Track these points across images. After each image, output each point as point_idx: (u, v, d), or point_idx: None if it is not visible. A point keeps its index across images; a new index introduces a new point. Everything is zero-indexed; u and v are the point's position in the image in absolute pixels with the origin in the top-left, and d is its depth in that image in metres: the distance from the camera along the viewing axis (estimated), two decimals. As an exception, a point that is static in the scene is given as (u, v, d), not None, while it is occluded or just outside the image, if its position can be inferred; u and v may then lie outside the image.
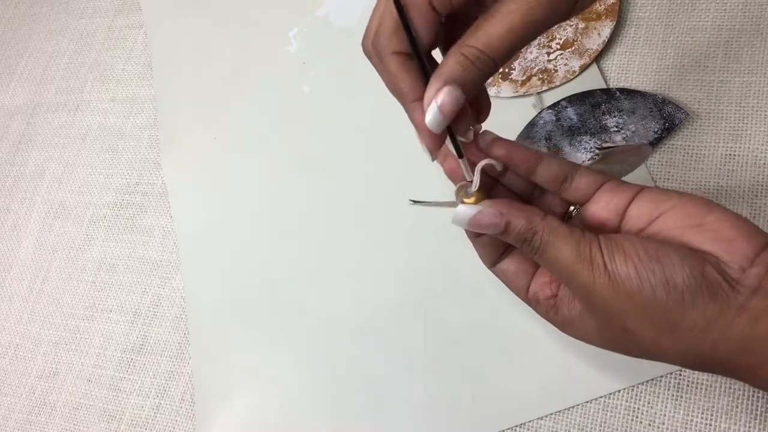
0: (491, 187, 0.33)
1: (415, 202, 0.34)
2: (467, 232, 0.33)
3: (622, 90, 0.44)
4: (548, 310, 0.32)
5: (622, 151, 0.42)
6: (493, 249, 0.33)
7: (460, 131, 0.30)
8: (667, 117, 0.43)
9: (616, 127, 0.43)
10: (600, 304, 0.28)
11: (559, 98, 0.46)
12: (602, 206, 0.31)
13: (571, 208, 0.32)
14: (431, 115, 0.28)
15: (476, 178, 0.31)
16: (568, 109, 0.45)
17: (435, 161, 0.32)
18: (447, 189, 0.33)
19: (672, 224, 0.29)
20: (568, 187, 0.31)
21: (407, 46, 0.29)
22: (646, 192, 0.30)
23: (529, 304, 0.33)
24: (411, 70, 0.29)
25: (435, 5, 0.28)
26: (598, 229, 0.30)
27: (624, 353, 0.30)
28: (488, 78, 0.29)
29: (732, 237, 0.27)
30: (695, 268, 0.26)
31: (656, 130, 0.42)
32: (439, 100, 0.28)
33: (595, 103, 0.44)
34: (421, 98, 0.29)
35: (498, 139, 0.31)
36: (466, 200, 0.31)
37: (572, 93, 0.46)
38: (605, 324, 0.29)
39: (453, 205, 0.31)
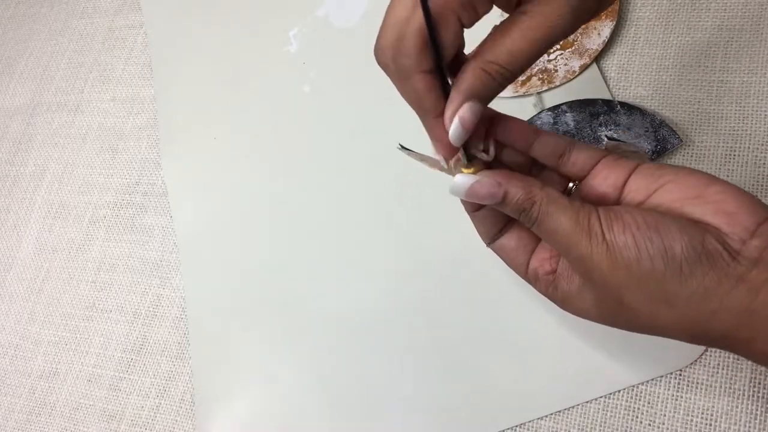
0: (488, 163, 0.32)
1: (404, 148, 0.34)
2: (465, 205, 0.33)
3: (623, 104, 0.44)
4: (547, 286, 0.32)
5: (627, 149, 0.42)
6: (491, 223, 0.33)
7: (473, 142, 0.31)
8: (660, 140, 0.42)
9: (610, 140, 0.43)
10: (598, 277, 0.28)
11: (559, 98, 0.46)
12: (600, 181, 0.31)
13: (570, 184, 0.32)
14: (455, 131, 0.28)
15: (462, 153, 0.31)
16: (567, 114, 0.45)
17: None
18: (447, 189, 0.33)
19: (671, 196, 0.28)
20: (566, 161, 0.31)
21: (433, 63, 0.28)
22: (645, 166, 0.30)
23: (528, 281, 0.33)
24: (435, 87, 0.29)
25: (463, 21, 0.28)
26: (597, 203, 0.30)
27: (622, 327, 0.30)
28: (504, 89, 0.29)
29: (733, 209, 0.27)
30: (695, 238, 0.26)
31: (648, 150, 0.42)
32: (460, 116, 0.28)
33: (595, 112, 0.44)
34: (442, 113, 0.29)
35: (497, 114, 0.32)
36: (464, 170, 0.31)
37: (572, 93, 0.46)
38: (603, 297, 0.29)
39: (436, 163, 0.31)
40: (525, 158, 0.33)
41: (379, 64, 0.30)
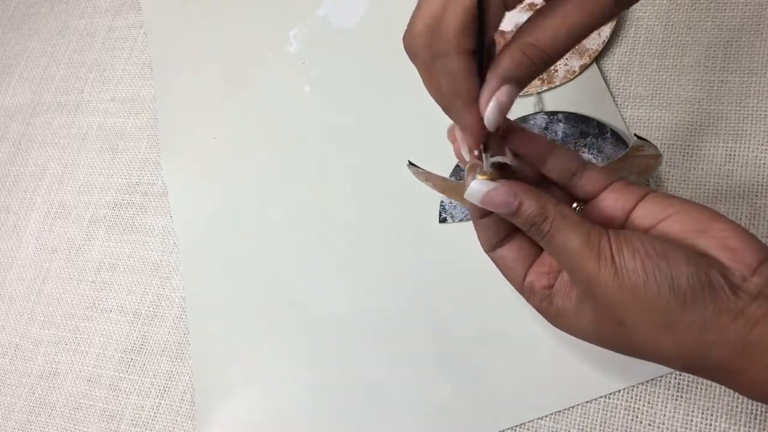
0: (500, 175, 0.32)
1: (412, 164, 0.34)
2: (472, 210, 0.33)
3: (614, 133, 0.44)
4: (542, 300, 0.32)
5: (650, 151, 0.41)
6: (494, 232, 0.33)
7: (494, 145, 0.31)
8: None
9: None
10: (601, 296, 0.28)
11: (559, 98, 0.46)
12: (609, 204, 0.31)
13: (574, 205, 0.32)
14: (492, 113, 0.28)
15: (486, 161, 0.30)
16: (560, 124, 0.45)
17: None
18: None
19: (678, 228, 0.29)
20: (576, 181, 0.32)
21: (474, 44, 0.27)
22: (654, 195, 0.30)
23: (523, 293, 0.33)
24: (472, 69, 0.28)
25: (508, 2, 0.27)
26: (603, 225, 0.30)
27: (615, 349, 0.30)
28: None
29: (736, 246, 0.27)
30: (700, 269, 0.27)
31: None
32: (498, 99, 0.28)
33: (586, 132, 0.44)
34: (475, 99, 0.28)
35: (514, 125, 0.32)
36: (480, 177, 0.31)
37: (573, 93, 0.46)
38: (602, 317, 0.29)
39: (441, 183, 0.31)
40: (536, 173, 0.33)
41: (407, 51, 0.29)
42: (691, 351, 0.27)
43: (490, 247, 0.33)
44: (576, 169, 0.31)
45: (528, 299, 0.33)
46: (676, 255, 0.27)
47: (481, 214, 0.33)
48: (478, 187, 0.30)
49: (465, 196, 0.31)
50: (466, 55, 0.27)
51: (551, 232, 0.29)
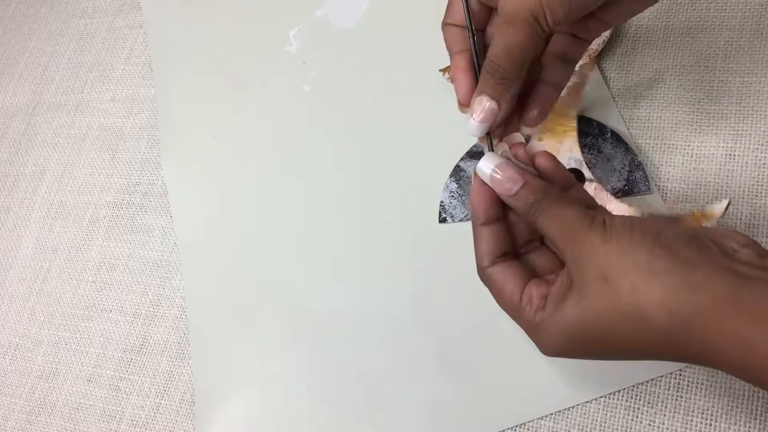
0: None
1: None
2: (476, 216, 0.33)
3: (614, 133, 0.44)
4: (537, 310, 0.31)
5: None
6: (496, 244, 0.33)
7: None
8: (631, 181, 0.42)
9: (586, 165, 0.43)
10: (588, 257, 0.28)
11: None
12: None
13: None
14: (471, 125, 0.33)
15: (488, 141, 0.33)
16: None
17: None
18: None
19: None
20: None
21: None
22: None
23: (518, 308, 0.32)
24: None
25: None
26: None
27: (595, 341, 0.29)
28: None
29: (725, 234, 0.29)
30: (689, 232, 0.28)
31: (614, 187, 0.42)
32: (473, 108, 0.33)
33: (586, 132, 0.44)
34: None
35: (545, 153, 0.34)
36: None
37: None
38: (585, 285, 0.28)
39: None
40: None
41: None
42: (675, 292, 0.26)
43: (490, 262, 0.33)
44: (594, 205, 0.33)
45: (522, 313, 0.32)
46: (668, 225, 0.28)
47: (485, 220, 0.33)
48: (490, 157, 0.32)
49: (476, 169, 0.32)
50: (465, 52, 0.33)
51: (551, 205, 0.31)
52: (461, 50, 0.34)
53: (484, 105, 0.32)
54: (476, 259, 0.34)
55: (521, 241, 0.34)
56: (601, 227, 0.29)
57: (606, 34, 0.46)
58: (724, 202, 0.40)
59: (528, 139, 0.44)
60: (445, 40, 0.35)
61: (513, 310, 0.33)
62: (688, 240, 0.27)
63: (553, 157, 0.34)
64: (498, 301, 0.34)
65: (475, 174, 0.33)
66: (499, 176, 0.32)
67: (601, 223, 0.29)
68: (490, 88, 0.32)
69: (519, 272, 0.33)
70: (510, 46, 0.31)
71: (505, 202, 0.32)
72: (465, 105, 0.34)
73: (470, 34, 0.34)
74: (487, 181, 0.32)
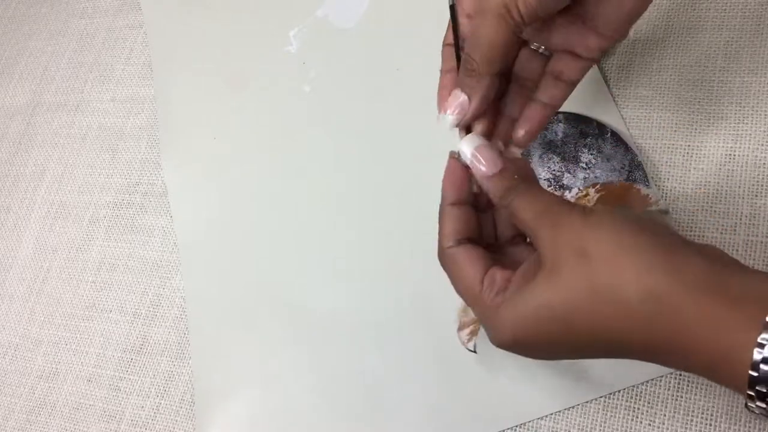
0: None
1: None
2: (447, 195, 0.33)
3: (614, 133, 0.44)
4: (499, 291, 0.30)
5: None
6: (464, 226, 0.33)
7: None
8: (631, 181, 0.42)
9: (586, 165, 0.43)
10: (565, 233, 0.28)
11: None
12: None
13: None
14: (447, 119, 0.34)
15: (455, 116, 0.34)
16: (560, 124, 0.45)
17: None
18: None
19: None
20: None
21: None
22: None
23: (480, 291, 0.31)
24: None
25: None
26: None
27: (565, 325, 0.28)
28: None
29: None
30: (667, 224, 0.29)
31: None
32: (448, 102, 0.34)
33: (586, 132, 0.44)
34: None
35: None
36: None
37: (573, 93, 0.46)
38: (559, 259, 0.28)
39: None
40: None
41: None
42: (655, 277, 0.26)
43: (456, 241, 0.32)
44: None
45: (481, 296, 0.31)
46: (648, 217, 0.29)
47: (454, 199, 0.33)
48: (472, 138, 0.33)
49: (459, 144, 0.33)
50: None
51: (529, 188, 0.31)
52: (449, 69, 0.35)
53: (458, 98, 0.32)
54: (439, 239, 0.33)
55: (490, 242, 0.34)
56: (581, 209, 0.28)
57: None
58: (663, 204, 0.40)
59: None
60: (442, 59, 0.36)
61: (471, 293, 0.31)
62: (668, 228, 0.28)
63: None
64: (457, 285, 0.32)
65: (450, 155, 0.33)
66: (479, 156, 0.32)
67: (581, 207, 0.29)
68: (462, 81, 0.32)
69: (483, 257, 0.32)
70: (480, 39, 0.31)
71: (481, 184, 0.32)
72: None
73: (456, 50, 0.34)
74: (467, 160, 0.32)
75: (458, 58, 0.34)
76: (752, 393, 0.24)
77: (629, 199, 0.40)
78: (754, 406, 0.24)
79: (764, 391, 0.24)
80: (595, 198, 0.41)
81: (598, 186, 0.42)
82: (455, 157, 0.33)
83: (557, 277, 0.28)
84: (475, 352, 0.40)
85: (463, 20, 0.34)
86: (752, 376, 0.24)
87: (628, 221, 0.27)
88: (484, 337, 0.32)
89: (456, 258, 0.32)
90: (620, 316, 0.26)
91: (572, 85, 0.35)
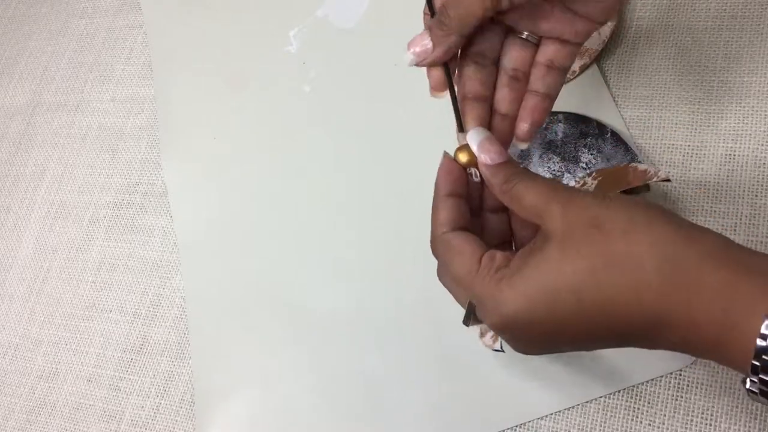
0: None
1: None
2: (442, 184, 0.33)
3: (614, 133, 0.44)
4: (499, 267, 0.29)
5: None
6: (459, 214, 0.32)
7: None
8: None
9: (586, 165, 0.43)
10: (576, 209, 0.28)
11: (559, 98, 0.46)
12: None
13: None
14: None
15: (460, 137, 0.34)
16: (560, 124, 0.45)
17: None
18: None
19: None
20: None
21: None
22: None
23: (472, 271, 0.30)
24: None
25: None
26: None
27: (583, 276, 0.27)
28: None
29: None
30: None
31: None
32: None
33: (586, 132, 0.44)
34: None
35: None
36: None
37: (573, 94, 0.46)
38: (573, 233, 0.28)
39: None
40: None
41: None
42: (671, 247, 0.26)
43: (451, 228, 0.32)
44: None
45: (478, 276, 0.30)
46: None
47: (450, 190, 0.33)
48: (478, 130, 0.33)
49: (468, 136, 0.33)
50: None
51: (530, 173, 0.31)
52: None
53: (424, 41, 0.33)
54: (432, 228, 0.33)
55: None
56: (590, 192, 0.29)
57: (606, 34, 0.46)
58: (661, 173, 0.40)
59: None
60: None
61: (468, 272, 0.30)
62: (676, 215, 0.28)
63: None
64: (451, 268, 0.31)
65: (445, 153, 0.34)
66: (487, 146, 0.32)
67: (583, 191, 0.29)
68: (432, 30, 0.33)
69: (480, 243, 0.31)
70: (460, 2, 0.31)
71: (485, 174, 0.32)
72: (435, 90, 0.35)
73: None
74: (475, 147, 0.32)
75: (431, 7, 0.34)
76: (758, 363, 0.24)
77: (629, 179, 0.40)
78: (756, 379, 0.24)
79: None
80: (594, 185, 0.41)
81: (594, 174, 0.42)
82: (449, 157, 0.34)
83: (570, 247, 0.27)
84: (503, 351, 0.40)
85: None
86: (760, 346, 0.24)
87: (637, 201, 0.28)
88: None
89: (451, 242, 0.32)
90: (633, 285, 0.26)
91: (565, 71, 0.35)
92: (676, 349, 0.27)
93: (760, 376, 0.24)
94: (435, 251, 0.33)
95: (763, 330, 0.24)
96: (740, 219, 0.40)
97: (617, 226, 0.27)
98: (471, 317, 0.31)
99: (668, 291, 0.26)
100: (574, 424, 0.40)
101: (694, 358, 0.38)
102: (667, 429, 0.38)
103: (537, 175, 0.31)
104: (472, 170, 0.33)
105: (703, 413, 0.37)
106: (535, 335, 0.29)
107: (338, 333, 0.46)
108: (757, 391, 0.25)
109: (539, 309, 0.28)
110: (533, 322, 0.28)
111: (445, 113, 0.34)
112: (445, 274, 0.32)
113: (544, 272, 0.28)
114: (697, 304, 0.25)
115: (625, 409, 0.39)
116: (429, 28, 0.33)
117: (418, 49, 0.33)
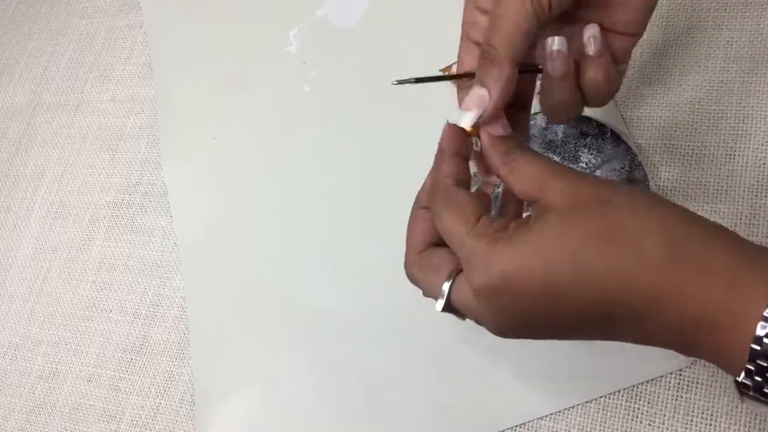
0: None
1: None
2: (447, 144, 0.32)
3: (614, 133, 0.44)
4: (498, 229, 0.29)
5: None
6: (463, 170, 0.32)
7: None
8: (631, 181, 0.42)
9: (586, 165, 0.43)
10: (584, 188, 0.28)
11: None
12: None
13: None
14: None
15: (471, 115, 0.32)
16: (560, 124, 0.45)
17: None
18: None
19: None
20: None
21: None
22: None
23: (469, 226, 0.29)
24: None
25: None
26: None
27: (578, 257, 0.27)
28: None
29: None
30: None
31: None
32: None
33: (586, 132, 0.44)
34: None
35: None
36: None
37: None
38: (580, 205, 0.27)
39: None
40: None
41: None
42: (678, 227, 0.26)
43: (455, 181, 0.31)
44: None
45: (478, 228, 0.29)
46: None
47: (456, 150, 0.32)
48: (485, 95, 0.31)
49: (467, 101, 0.31)
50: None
51: (532, 152, 0.31)
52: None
53: (475, 92, 0.31)
54: (435, 180, 0.32)
55: None
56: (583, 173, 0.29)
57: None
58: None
59: None
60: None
61: (464, 224, 0.29)
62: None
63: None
64: (448, 219, 0.30)
65: (448, 121, 0.33)
66: (494, 117, 0.31)
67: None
68: (480, 74, 0.31)
69: (483, 205, 0.30)
70: (501, 22, 0.30)
71: (486, 147, 0.32)
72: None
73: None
74: (486, 113, 0.31)
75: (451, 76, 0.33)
76: (758, 347, 0.24)
77: None
78: (752, 367, 0.24)
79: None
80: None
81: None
82: (453, 124, 0.33)
83: (574, 219, 0.27)
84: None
85: (478, 18, 0.33)
86: (758, 335, 0.24)
87: (641, 191, 0.28)
88: (491, 335, 0.32)
89: (455, 196, 0.31)
90: (636, 260, 0.26)
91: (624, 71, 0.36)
92: (668, 338, 0.26)
93: (758, 362, 0.24)
94: (432, 202, 0.32)
95: (766, 313, 0.23)
96: (740, 219, 0.40)
97: (626, 203, 0.27)
98: (450, 289, 0.30)
99: (668, 272, 0.25)
100: (574, 424, 0.40)
101: (694, 359, 0.38)
102: (667, 429, 0.38)
103: (538, 153, 0.31)
104: (473, 139, 0.33)
105: (703, 413, 0.37)
106: (523, 306, 0.28)
107: (338, 333, 0.46)
108: (750, 383, 0.24)
109: (535, 274, 0.27)
110: (524, 289, 0.27)
111: (446, 113, 0.34)
112: (442, 220, 0.31)
113: (545, 239, 0.27)
114: (698, 285, 0.25)
115: (625, 409, 0.39)
116: (478, 72, 0.31)
117: (471, 103, 0.31)
